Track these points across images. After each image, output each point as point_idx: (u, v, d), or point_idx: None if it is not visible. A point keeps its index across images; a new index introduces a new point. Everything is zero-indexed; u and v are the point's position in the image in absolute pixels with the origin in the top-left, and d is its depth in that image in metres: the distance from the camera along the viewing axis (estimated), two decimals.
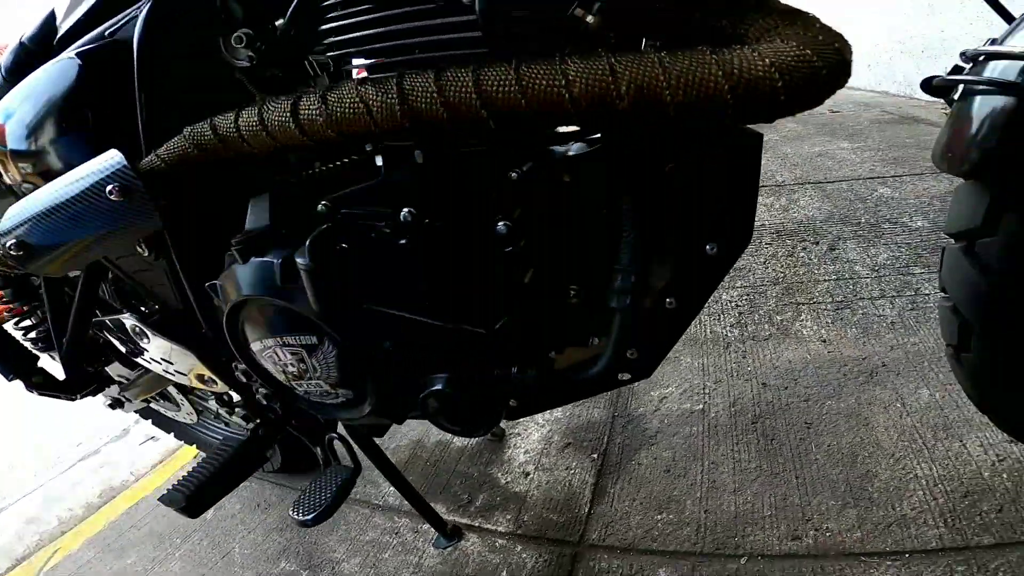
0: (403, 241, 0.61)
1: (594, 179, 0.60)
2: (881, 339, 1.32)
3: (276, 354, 0.65)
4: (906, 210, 1.86)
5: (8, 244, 0.68)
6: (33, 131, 0.75)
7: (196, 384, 0.93)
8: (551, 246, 0.63)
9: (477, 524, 1.15)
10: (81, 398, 1.06)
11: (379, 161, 0.61)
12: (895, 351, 1.27)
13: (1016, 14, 0.72)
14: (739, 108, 0.43)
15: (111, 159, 0.64)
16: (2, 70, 0.87)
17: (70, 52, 0.73)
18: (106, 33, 0.72)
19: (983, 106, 0.68)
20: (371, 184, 0.63)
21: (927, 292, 1.40)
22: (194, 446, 1.54)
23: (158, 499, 0.81)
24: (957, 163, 0.71)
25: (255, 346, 0.67)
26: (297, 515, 0.77)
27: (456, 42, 0.53)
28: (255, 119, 0.56)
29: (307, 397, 0.69)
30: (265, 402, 0.87)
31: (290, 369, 0.66)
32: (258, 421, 0.89)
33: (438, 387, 0.63)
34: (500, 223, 0.60)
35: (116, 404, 1.23)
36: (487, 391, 0.67)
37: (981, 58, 0.68)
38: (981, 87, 0.68)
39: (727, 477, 1.08)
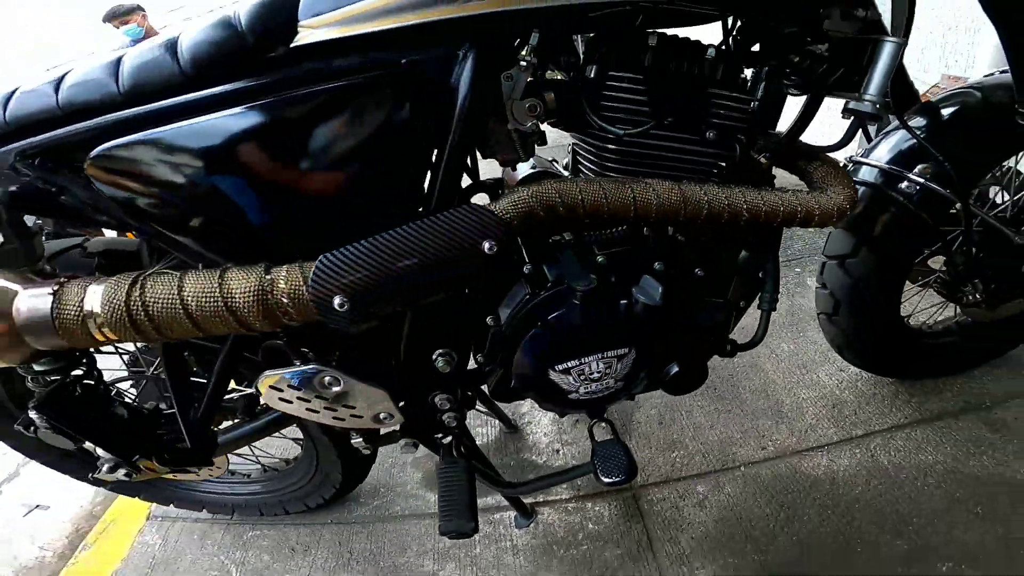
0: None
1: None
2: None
3: (587, 367, 0.85)
4: None
5: (338, 301, 0.65)
6: (333, 162, 0.70)
7: (370, 425, 0.97)
8: (717, 282, 0.97)
9: (542, 499, 1.40)
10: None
11: (645, 231, 0.87)
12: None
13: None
14: (804, 224, 0.85)
15: (483, 211, 0.67)
16: (180, 55, 0.67)
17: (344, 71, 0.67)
18: (403, 61, 0.68)
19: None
20: (639, 247, 0.89)
21: None
22: (171, 504, 1.43)
23: (442, 533, 0.87)
24: (840, 220, 1.29)
25: (564, 364, 0.84)
26: (611, 478, 0.90)
27: (703, 163, 0.85)
28: (600, 195, 0.75)
29: (576, 397, 0.90)
30: (454, 424, 0.99)
31: (593, 376, 0.86)
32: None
33: (677, 368, 0.93)
34: (697, 270, 0.92)
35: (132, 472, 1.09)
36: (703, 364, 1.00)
37: (856, 163, 1.26)
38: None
39: (702, 419, 1.56)
